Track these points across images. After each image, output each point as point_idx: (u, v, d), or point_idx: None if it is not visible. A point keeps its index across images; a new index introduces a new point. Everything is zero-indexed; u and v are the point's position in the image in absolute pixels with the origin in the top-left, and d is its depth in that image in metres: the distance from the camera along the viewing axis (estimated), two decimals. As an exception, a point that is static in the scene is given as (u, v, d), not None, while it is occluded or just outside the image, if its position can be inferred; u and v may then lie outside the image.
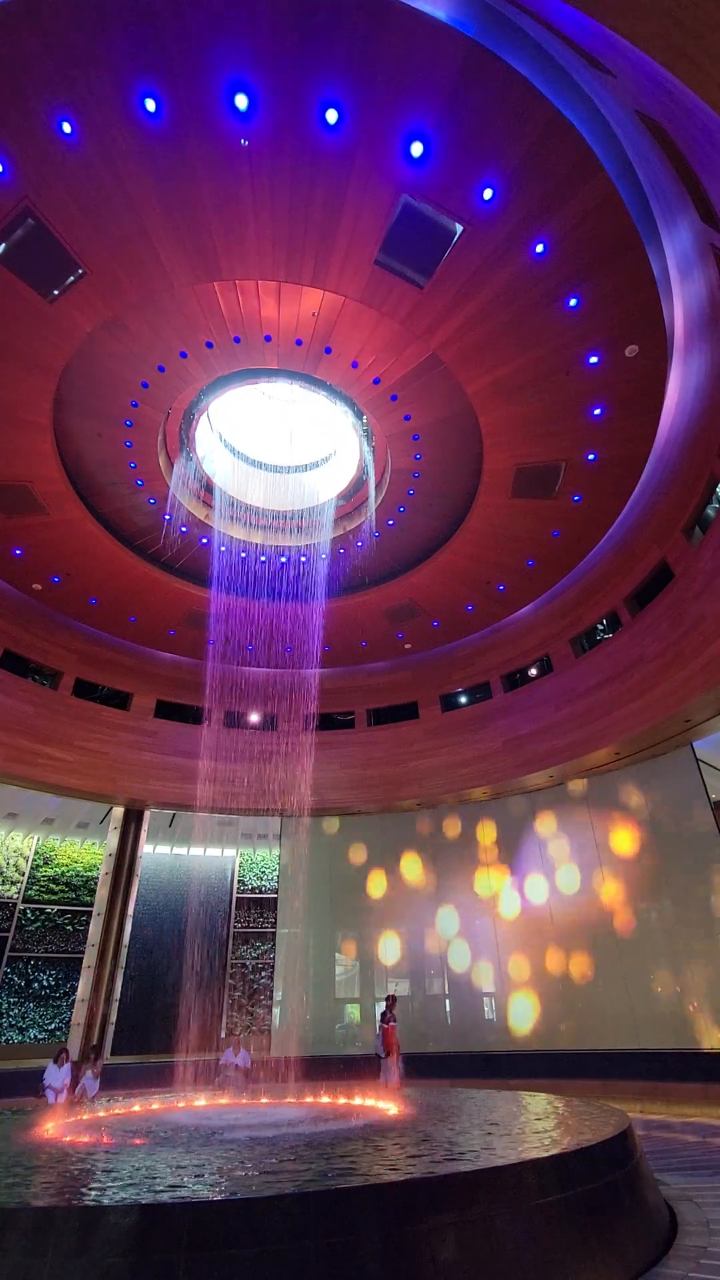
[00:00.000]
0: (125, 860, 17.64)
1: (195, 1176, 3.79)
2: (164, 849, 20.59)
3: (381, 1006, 13.01)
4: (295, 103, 7.32)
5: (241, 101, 7.28)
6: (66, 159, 7.68)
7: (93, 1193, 3.43)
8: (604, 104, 7.46)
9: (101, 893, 17.39)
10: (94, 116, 7.34)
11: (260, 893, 20.38)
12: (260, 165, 7.84)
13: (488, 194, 7.94)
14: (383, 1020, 12.04)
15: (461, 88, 7.10)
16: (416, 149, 7.62)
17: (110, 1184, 3.65)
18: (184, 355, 10.56)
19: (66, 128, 7.40)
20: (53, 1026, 17.24)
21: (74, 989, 17.08)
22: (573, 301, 9.01)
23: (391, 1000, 12.45)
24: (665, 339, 9.43)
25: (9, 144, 7.54)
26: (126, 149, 7.63)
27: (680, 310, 9.37)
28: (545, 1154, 3.97)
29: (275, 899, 19.54)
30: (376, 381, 10.96)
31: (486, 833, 17.18)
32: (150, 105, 7.26)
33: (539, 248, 8.41)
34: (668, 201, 8.00)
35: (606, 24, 4.98)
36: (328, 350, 10.60)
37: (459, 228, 8.32)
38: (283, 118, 7.44)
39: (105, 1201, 3.19)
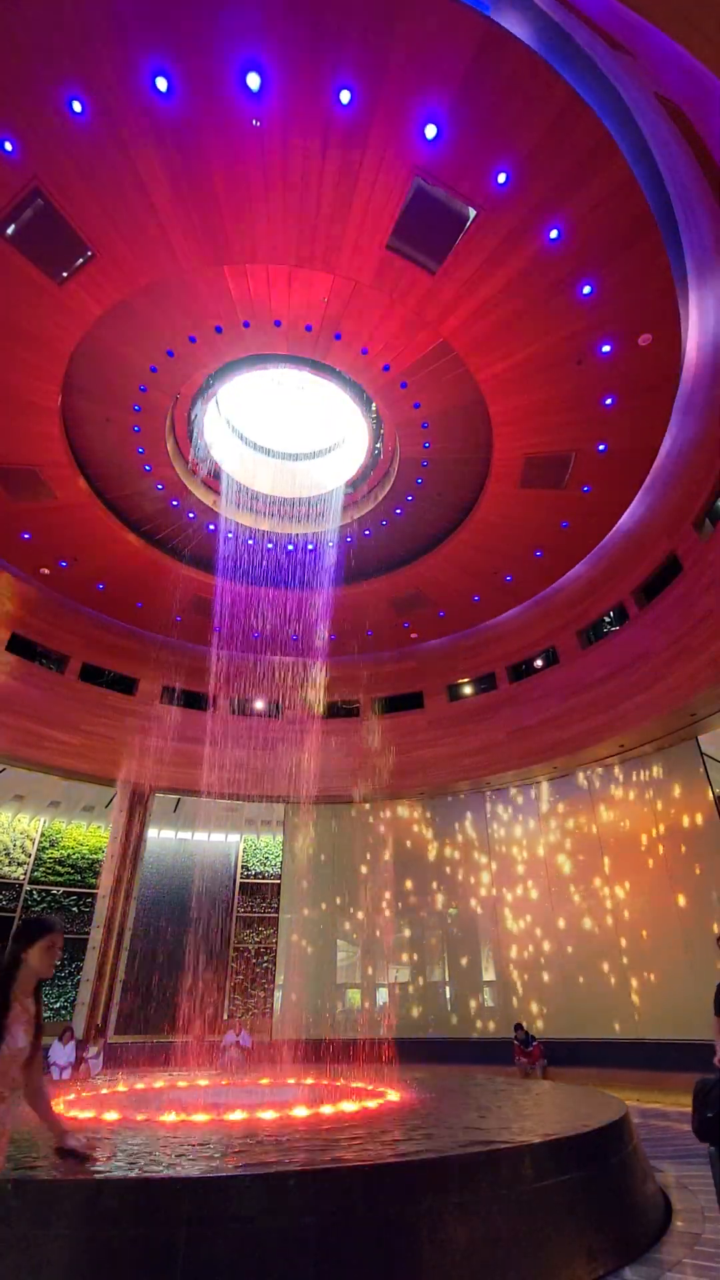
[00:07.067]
0: (130, 843, 17.75)
1: (196, 1153, 3.85)
2: (169, 833, 20.76)
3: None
4: (308, 82, 7.20)
5: (254, 81, 7.17)
6: (76, 139, 7.59)
7: (95, 1167, 3.48)
8: (623, 86, 7.31)
9: (106, 875, 17.53)
10: (104, 95, 7.25)
11: (263, 878, 20.54)
12: (272, 146, 7.73)
13: (502, 178, 7.80)
14: (527, 1043, 13.46)
15: (477, 68, 6.96)
16: (430, 131, 7.49)
17: (112, 1159, 3.71)
18: (193, 340, 10.50)
19: (77, 106, 7.31)
20: (58, 1005, 17.48)
21: (79, 969, 17.30)
22: (586, 289, 8.88)
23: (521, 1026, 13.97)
24: (679, 328, 9.29)
25: (19, 123, 7.46)
26: (137, 129, 7.53)
27: (695, 298, 9.22)
28: (543, 1139, 4.02)
29: (278, 885, 19.68)
30: (386, 368, 10.86)
31: (488, 822, 17.23)
32: (161, 84, 7.16)
33: (553, 233, 8.28)
34: (685, 186, 7.87)
35: (624, 0, 4.87)
36: (337, 336, 10.51)
37: (472, 212, 8.19)
38: (295, 98, 7.32)
39: (107, 1176, 3.25)
